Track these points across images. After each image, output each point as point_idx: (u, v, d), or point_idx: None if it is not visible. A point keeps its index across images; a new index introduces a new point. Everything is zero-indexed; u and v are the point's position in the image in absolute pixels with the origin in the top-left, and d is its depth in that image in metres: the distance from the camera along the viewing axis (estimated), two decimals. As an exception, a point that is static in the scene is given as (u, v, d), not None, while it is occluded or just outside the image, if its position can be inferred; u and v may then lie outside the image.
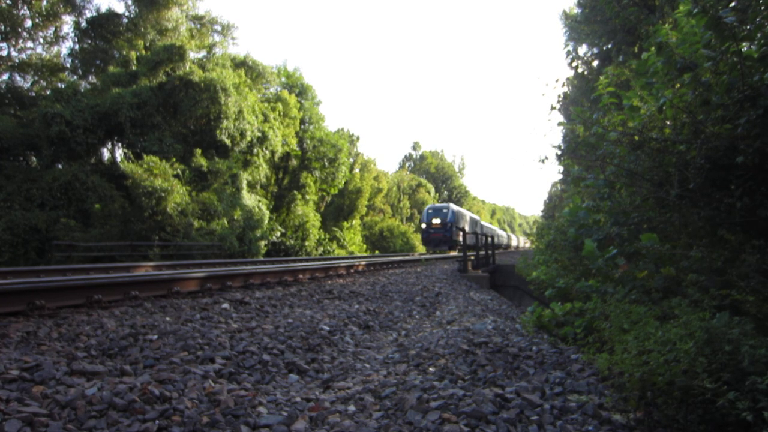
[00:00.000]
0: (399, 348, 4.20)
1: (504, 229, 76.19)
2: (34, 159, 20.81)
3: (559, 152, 6.62)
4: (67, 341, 3.44)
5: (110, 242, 17.05)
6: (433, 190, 63.83)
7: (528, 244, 47.92)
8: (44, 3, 23.86)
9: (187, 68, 22.31)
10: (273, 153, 28.20)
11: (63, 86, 21.71)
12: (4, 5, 22.27)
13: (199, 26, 27.66)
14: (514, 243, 60.25)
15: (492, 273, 13.22)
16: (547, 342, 4.04)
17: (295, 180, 31.66)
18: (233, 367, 3.26)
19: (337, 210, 37.60)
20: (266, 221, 24.00)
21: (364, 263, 11.35)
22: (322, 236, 31.71)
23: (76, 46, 24.94)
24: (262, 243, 23.47)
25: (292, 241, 27.81)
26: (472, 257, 14.00)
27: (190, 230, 18.89)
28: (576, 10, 17.16)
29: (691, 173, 3.69)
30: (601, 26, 13.70)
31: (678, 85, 4.08)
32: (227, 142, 23.06)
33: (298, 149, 31.53)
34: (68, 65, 25.29)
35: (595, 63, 16.12)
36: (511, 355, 3.56)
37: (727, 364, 2.16)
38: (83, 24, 24.69)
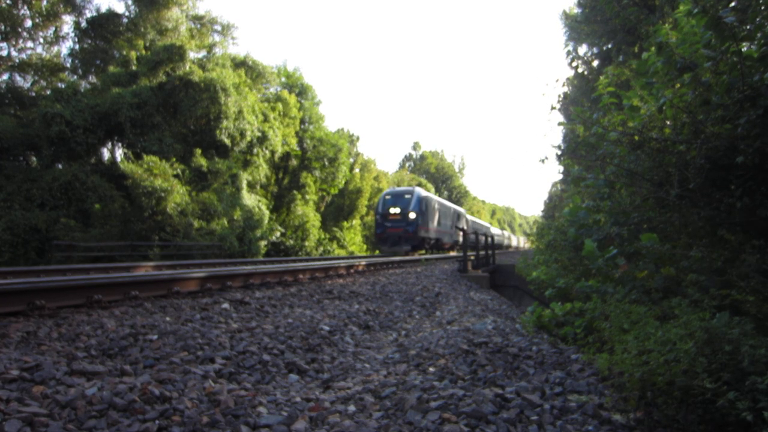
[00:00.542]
0: (399, 348, 4.20)
1: (504, 229, 75.97)
2: (34, 159, 20.82)
3: (559, 152, 6.63)
4: (67, 341, 3.44)
5: (110, 242, 17.07)
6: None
7: (528, 245, 47.89)
8: (44, 3, 23.87)
9: (187, 68, 22.31)
10: (273, 153, 28.21)
11: (63, 86, 21.70)
12: (4, 5, 22.27)
13: (199, 26, 27.68)
14: (514, 243, 60.17)
15: (492, 273, 13.22)
16: (547, 342, 4.04)
17: (295, 180, 31.66)
18: (233, 367, 3.26)
19: (338, 210, 37.58)
20: (266, 221, 24.01)
21: (364, 263, 11.35)
22: (322, 236, 31.70)
23: (76, 46, 24.98)
24: (262, 243, 23.48)
25: (292, 241, 27.82)
26: (472, 257, 14.01)
27: (190, 230, 18.91)
28: (576, 10, 17.19)
29: (691, 173, 3.69)
30: (601, 26, 13.72)
31: (678, 85, 4.09)
32: (227, 142, 23.07)
33: (298, 149, 31.52)
34: (68, 65, 25.31)
35: (595, 63, 16.15)
36: (511, 355, 3.56)
37: (727, 364, 2.15)
38: (83, 24, 24.72)
